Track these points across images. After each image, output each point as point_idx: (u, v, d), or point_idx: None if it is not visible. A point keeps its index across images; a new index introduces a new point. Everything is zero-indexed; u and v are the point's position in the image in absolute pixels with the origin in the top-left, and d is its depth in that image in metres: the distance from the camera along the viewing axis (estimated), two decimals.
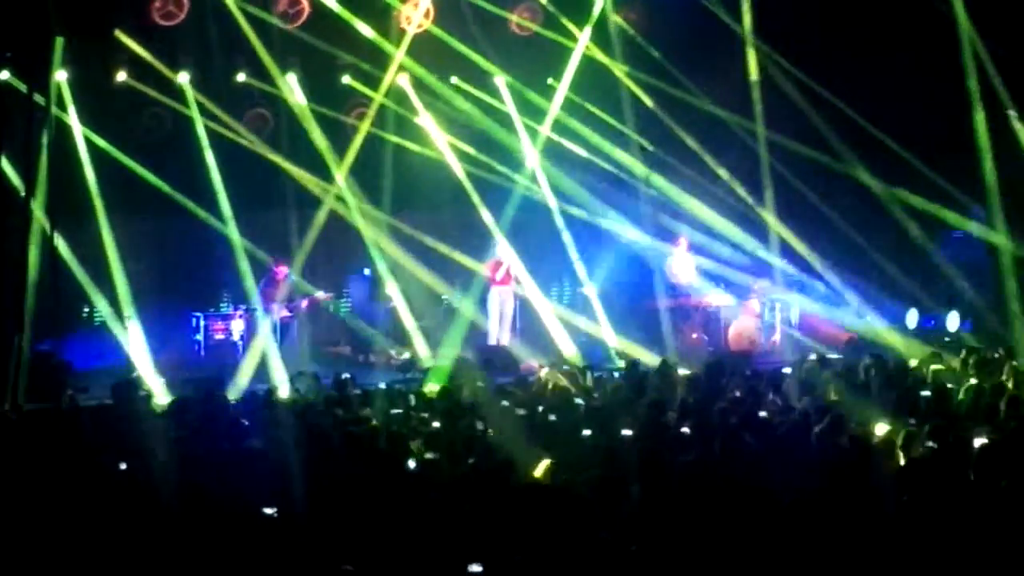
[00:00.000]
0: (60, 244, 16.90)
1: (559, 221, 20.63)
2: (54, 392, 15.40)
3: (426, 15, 19.82)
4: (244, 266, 19.35)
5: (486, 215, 20.25)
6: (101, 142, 19.03)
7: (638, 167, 20.81)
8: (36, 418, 13.54)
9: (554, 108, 20.70)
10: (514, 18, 20.41)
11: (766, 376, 14.56)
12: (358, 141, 20.12)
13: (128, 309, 18.17)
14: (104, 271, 18.59)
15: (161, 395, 15.62)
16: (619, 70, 20.79)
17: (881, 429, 10.77)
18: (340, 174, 19.85)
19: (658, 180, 20.71)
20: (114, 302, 18.26)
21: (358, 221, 19.98)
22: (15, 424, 13.03)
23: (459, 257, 20.27)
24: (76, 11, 17.10)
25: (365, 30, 19.79)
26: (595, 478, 9.04)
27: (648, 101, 20.74)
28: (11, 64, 17.91)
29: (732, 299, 19.72)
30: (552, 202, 20.60)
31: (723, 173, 20.68)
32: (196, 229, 19.59)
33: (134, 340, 17.72)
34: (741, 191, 20.54)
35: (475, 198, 20.43)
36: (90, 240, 18.57)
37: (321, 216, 19.81)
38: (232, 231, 19.44)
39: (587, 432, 10.97)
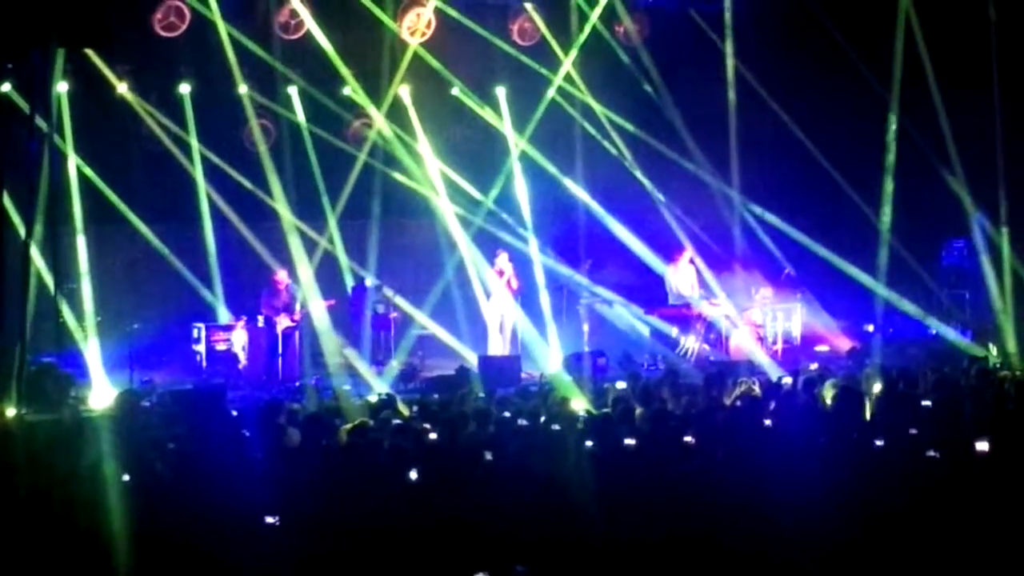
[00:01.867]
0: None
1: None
2: (56, 403, 15.42)
3: (428, 25, 19.86)
4: (217, 285, 19.53)
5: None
6: (97, 154, 19.15)
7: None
8: (38, 429, 13.53)
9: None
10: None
11: (767, 385, 14.62)
12: (357, 168, 20.30)
13: (89, 320, 18.26)
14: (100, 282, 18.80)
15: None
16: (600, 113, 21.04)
17: None
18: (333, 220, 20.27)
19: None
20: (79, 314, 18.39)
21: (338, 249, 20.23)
22: (17, 435, 13.02)
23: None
24: (76, 22, 17.07)
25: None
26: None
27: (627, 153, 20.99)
28: (12, 76, 17.95)
29: (733, 309, 19.73)
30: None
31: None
32: (196, 238, 19.72)
33: (92, 352, 17.76)
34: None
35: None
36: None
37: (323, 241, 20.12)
38: (210, 243, 19.62)
39: (589, 443, 10.94)
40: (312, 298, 19.03)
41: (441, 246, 20.57)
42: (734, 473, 9.69)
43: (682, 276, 19.92)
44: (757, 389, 14.34)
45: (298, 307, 18.82)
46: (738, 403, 13.07)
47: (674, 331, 19.55)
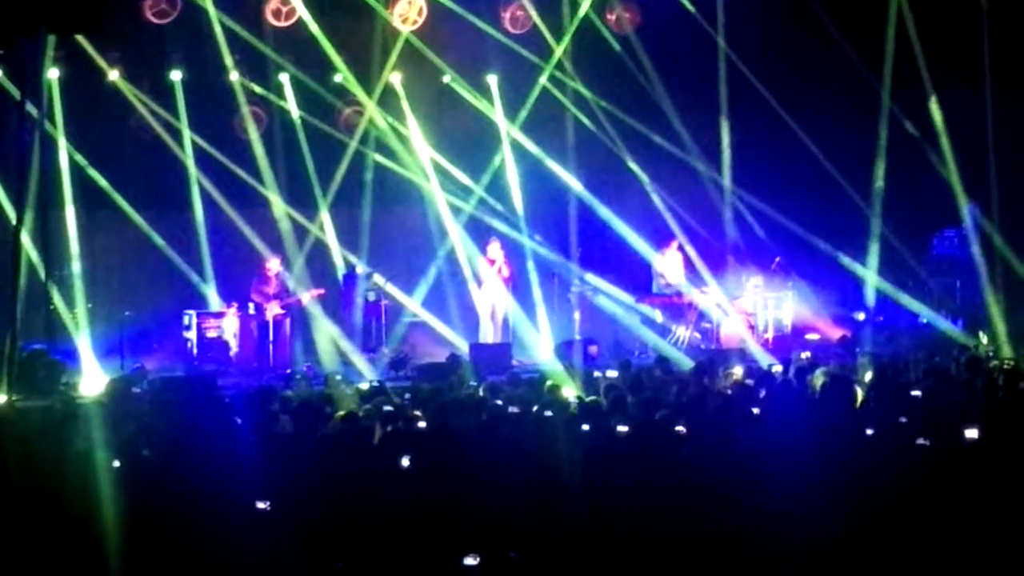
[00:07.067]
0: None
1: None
2: (47, 389, 15.42)
3: (419, 13, 19.85)
4: (208, 272, 19.54)
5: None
6: (88, 141, 19.15)
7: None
8: (29, 415, 13.52)
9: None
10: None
11: (758, 373, 14.65)
12: (348, 156, 20.30)
13: (80, 306, 18.28)
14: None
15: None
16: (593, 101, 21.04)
17: None
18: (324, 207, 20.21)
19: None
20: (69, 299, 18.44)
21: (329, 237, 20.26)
22: (8, 421, 13.01)
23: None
24: (67, 8, 17.07)
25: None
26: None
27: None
28: (3, 62, 17.95)
29: (724, 297, 19.76)
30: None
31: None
32: (188, 225, 19.73)
33: (83, 338, 17.77)
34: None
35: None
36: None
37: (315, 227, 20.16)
38: (201, 230, 19.65)
39: (586, 426, 10.96)
40: (302, 286, 19.04)
41: (432, 234, 20.58)
42: (724, 461, 9.70)
43: (670, 263, 19.94)
44: (739, 373, 14.38)
45: (289, 294, 18.81)
46: (728, 391, 13.09)
47: (660, 318, 19.60)
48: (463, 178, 20.94)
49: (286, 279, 18.98)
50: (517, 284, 19.77)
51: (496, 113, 21.09)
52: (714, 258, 20.56)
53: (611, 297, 20.20)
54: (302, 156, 20.34)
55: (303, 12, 19.54)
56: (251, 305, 18.65)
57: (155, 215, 19.72)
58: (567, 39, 20.77)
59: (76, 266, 18.81)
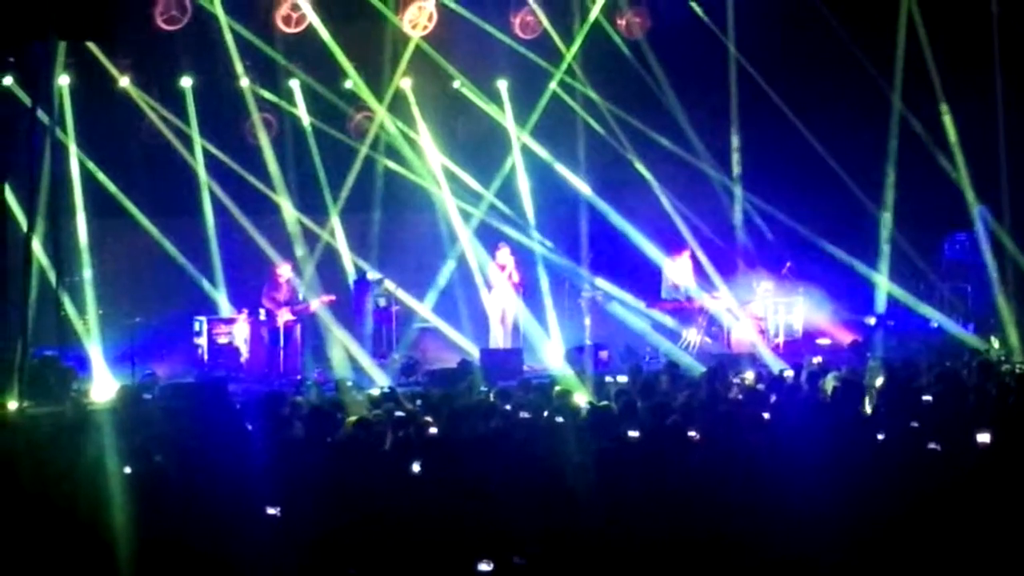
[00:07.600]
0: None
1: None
2: (58, 396, 15.43)
3: (429, 18, 19.87)
4: (219, 278, 19.58)
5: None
6: (99, 147, 19.19)
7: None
8: (40, 422, 13.54)
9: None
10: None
11: (769, 378, 14.64)
12: (358, 162, 20.33)
13: (91, 313, 18.36)
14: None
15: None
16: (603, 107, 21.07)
17: None
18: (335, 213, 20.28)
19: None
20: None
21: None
22: (19, 428, 13.04)
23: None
24: (77, 15, 17.08)
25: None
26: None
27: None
28: (14, 69, 17.98)
29: (735, 302, 19.75)
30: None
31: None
32: (198, 231, 19.75)
33: (94, 345, 17.83)
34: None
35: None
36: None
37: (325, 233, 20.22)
38: (212, 237, 19.69)
39: (596, 433, 10.94)
40: (313, 292, 19.04)
41: (443, 239, 20.59)
42: (735, 466, 9.70)
43: (679, 268, 19.94)
44: (750, 378, 14.38)
45: (299, 301, 18.82)
46: (739, 396, 13.08)
47: (671, 322, 19.60)
48: (473, 183, 20.97)
49: (297, 285, 18.98)
50: (528, 289, 19.76)
51: (506, 118, 21.12)
52: (724, 262, 20.55)
53: (622, 302, 20.21)
54: (312, 162, 20.39)
55: (313, 18, 19.58)
56: (262, 311, 18.66)
57: (166, 221, 19.75)
58: (577, 44, 20.81)
59: (87, 272, 18.86)
